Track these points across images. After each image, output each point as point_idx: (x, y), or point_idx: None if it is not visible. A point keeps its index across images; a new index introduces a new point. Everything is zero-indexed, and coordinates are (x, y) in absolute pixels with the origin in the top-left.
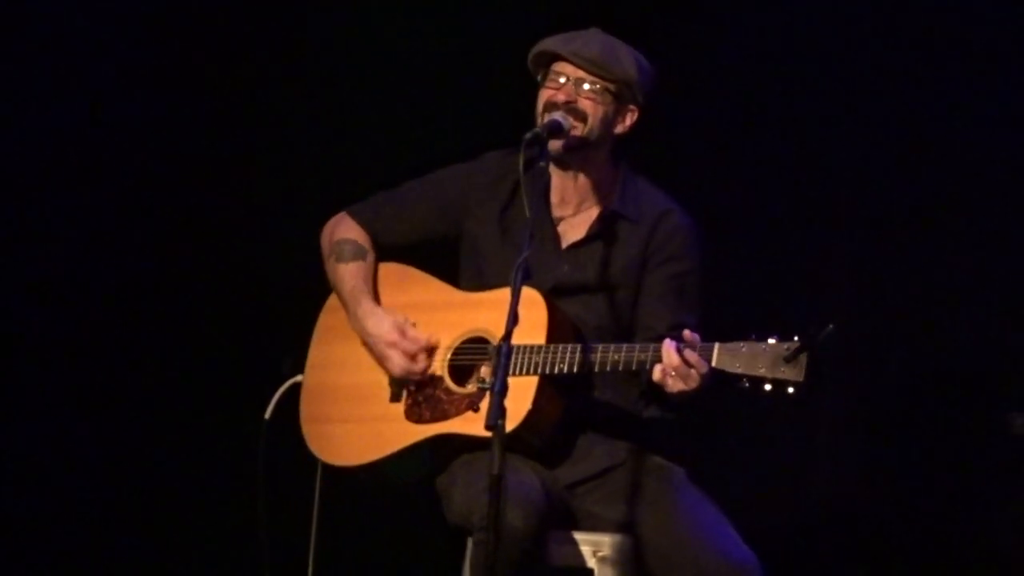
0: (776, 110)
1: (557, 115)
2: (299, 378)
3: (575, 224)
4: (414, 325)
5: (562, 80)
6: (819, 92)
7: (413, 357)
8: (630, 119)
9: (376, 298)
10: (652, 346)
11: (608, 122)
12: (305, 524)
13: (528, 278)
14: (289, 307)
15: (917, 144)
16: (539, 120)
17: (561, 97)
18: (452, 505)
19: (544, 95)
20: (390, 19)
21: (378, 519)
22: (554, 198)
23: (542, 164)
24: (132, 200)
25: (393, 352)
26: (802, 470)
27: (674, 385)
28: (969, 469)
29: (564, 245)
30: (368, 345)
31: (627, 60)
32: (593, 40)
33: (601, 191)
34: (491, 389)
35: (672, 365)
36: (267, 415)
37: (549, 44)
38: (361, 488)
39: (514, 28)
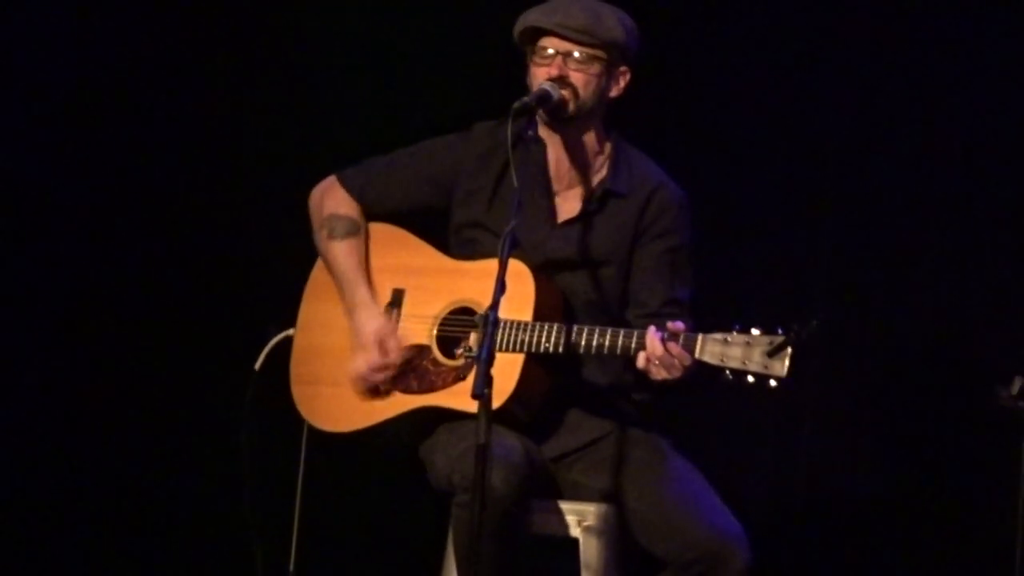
0: (766, 98)
1: (546, 85)
2: (290, 332)
3: (568, 198)
4: (399, 340)
5: (550, 52)
6: (809, 80)
7: (376, 369)
8: (623, 81)
9: (368, 262)
10: (637, 332)
11: (601, 89)
12: (291, 484)
13: (516, 247)
14: (277, 265)
15: (904, 131)
16: (544, 131)
17: (553, 72)
18: (435, 470)
19: (535, 72)
20: None
21: (364, 484)
22: (550, 172)
23: (530, 134)
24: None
25: (361, 356)
26: (788, 445)
27: (657, 373)
28: (956, 442)
29: (559, 220)
30: (355, 334)
31: (612, 22)
32: (575, 8)
33: (595, 165)
34: (477, 358)
35: (656, 355)
36: (257, 366)
37: (532, 19)
38: (347, 451)
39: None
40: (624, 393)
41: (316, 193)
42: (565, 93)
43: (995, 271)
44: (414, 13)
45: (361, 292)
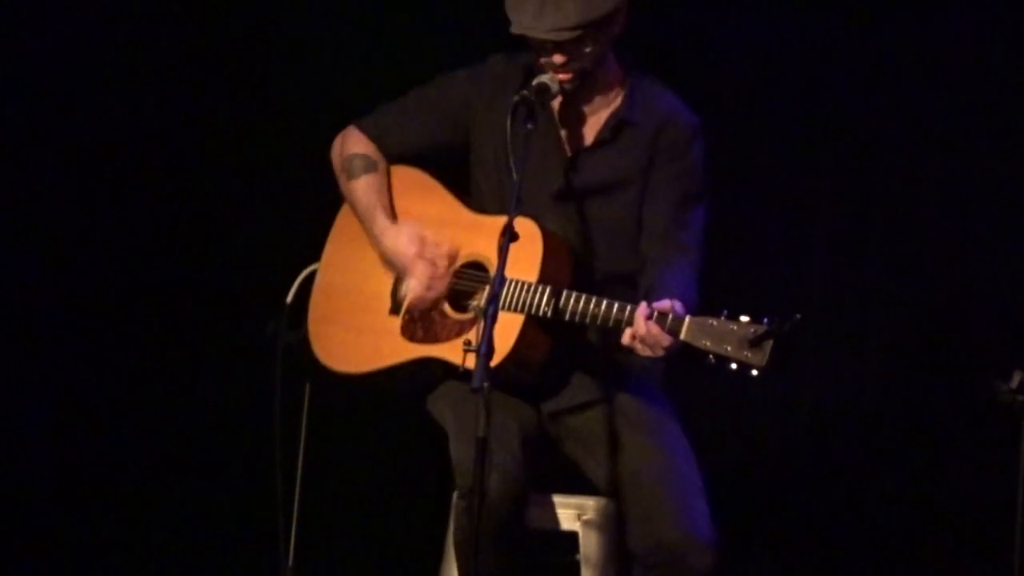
0: (764, 91)
1: (544, 78)
2: (316, 266)
3: (581, 129)
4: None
5: (549, 48)
6: (804, 75)
7: (433, 263)
8: (621, 19)
9: (391, 206)
10: (629, 307)
11: (604, 48)
12: (290, 475)
13: (515, 240)
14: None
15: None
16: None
17: (557, 61)
18: (450, 445)
19: (539, 58)
20: None
21: (363, 476)
22: (559, 103)
23: (529, 127)
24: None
25: (417, 263)
26: (784, 437)
27: (642, 351)
28: (955, 437)
29: (569, 151)
30: (388, 261)
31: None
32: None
33: (608, 96)
34: (477, 351)
35: (640, 334)
36: (288, 299)
37: (526, 25)
38: (347, 443)
39: None
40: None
41: (336, 142)
42: (571, 74)
43: (994, 265)
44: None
45: (380, 220)
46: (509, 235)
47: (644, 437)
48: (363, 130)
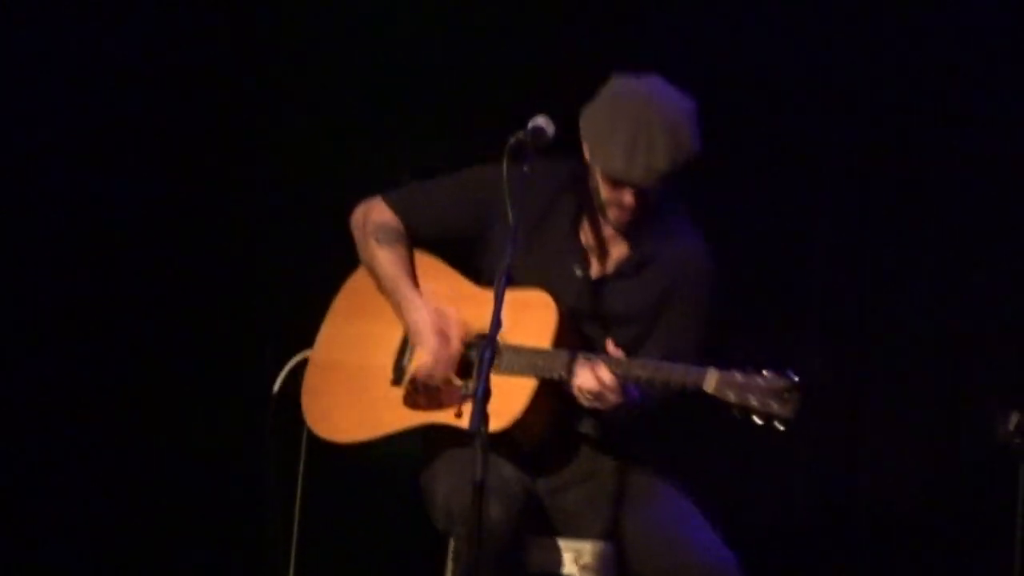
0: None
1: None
2: (307, 353)
3: (602, 255)
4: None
5: (629, 198)
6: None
7: (447, 338)
8: None
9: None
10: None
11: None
12: (290, 493)
13: (509, 283)
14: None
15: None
16: (590, 194)
17: (628, 203)
18: (435, 500)
19: (602, 186)
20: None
21: (364, 494)
22: (585, 224)
23: (525, 170)
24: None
25: (431, 336)
26: (785, 474)
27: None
28: (954, 477)
29: (592, 275)
30: (408, 330)
31: (688, 140)
32: (659, 142)
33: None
34: (473, 394)
35: (584, 386)
36: (275, 388)
37: (614, 170)
38: (347, 462)
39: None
40: (623, 426)
41: (359, 210)
42: (633, 216)
43: (993, 307)
44: (453, 37)
45: (406, 289)
46: (506, 278)
47: (650, 488)
48: (391, 205)
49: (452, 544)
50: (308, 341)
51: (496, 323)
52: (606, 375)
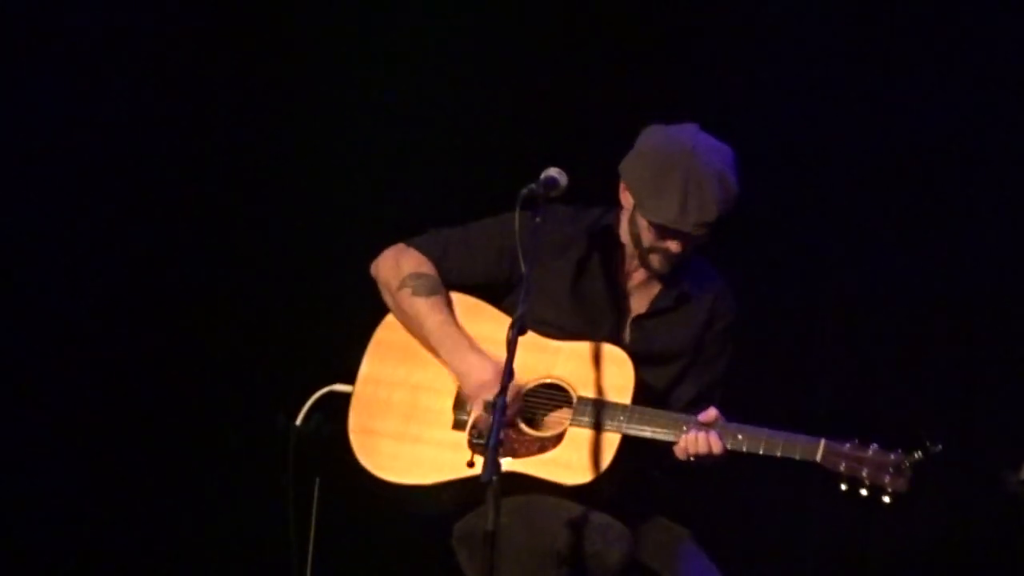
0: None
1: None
2: (336, 387)
3: (639, 294)
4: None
5: (675, 247)
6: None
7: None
8: None
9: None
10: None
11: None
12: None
13: (523, 332)
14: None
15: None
16: (628, 240)
17: (674, 249)
18: (512, 551)
19: (643, 236)
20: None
21: (377, 526)
22: (622, 269)
23: (538, 220)
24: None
25: (487, 394)
26: (797, 527)
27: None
28: (964, 527)
29: (633, 315)
30: (462, 384)
31: (734, 187)
32: (709, 193)
33: None
34: (486, 445)
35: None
36: (298, 422)
37: (666, 219)
38: (361, 507)
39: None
40: (649, 477)
41: (386, 257)
42: (675, 262)
43: (1002, 359)
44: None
45: (463, 340)
46: (518, 328)
47: (672, 544)
48: (422, 251)
49: None
50: (329, 375)
51: (508, 372)
52: (717, 446)
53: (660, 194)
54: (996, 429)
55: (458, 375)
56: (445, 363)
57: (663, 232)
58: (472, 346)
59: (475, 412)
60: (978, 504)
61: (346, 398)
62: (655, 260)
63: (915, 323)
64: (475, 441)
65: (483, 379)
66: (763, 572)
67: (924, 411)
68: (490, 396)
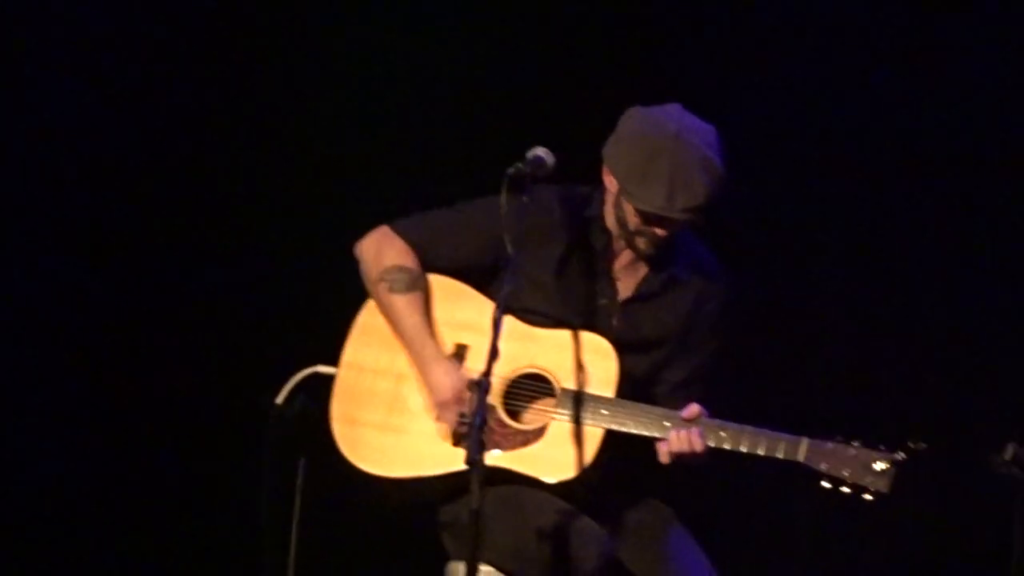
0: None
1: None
2: (319, 368)
3: (626, 278)
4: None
5: (661, 232)
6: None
7: (461, 418)
8: None
9: (430, 314)
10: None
11: None
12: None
13: (508, 312)
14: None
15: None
16: (613, 223)
17: (660, 234)
18: (493, 541)
19: (629, 219)
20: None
21: (360, 524)
22: (609, 251)
23: (525, 199)
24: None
25: (443, 412)
26: (785, 512)
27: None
28: (948, 509)
29: (620, 299)
30: (429, 391)
31: (720, 172)
32: (696, 178)
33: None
34: (471, 424)
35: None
36: (279, 400)
37: (655, 206)
38: (345, 489)
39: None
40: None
41: (370, 243)
42: (662, 246)
43: (986, 339)
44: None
45: (430, 348)
46: (503, 308)
47: (658, 522)
48: (404, 237)
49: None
50: (312, 356)
51: (493, 352)
52: (699, 444)
53: (646, 181)
54: (980, 410)
55: (423, 380)
56: (416, 366)
57: (649, 218)
58: (438, 356)
59: (450, 415)
60: (964, 486)
61: (329, 379)
62: (642, 243)
63: (895, 307)
64: (462, 421)
65: (443, 398)
66: (748, 551)
67: (908, 393)
68: (450, 413)
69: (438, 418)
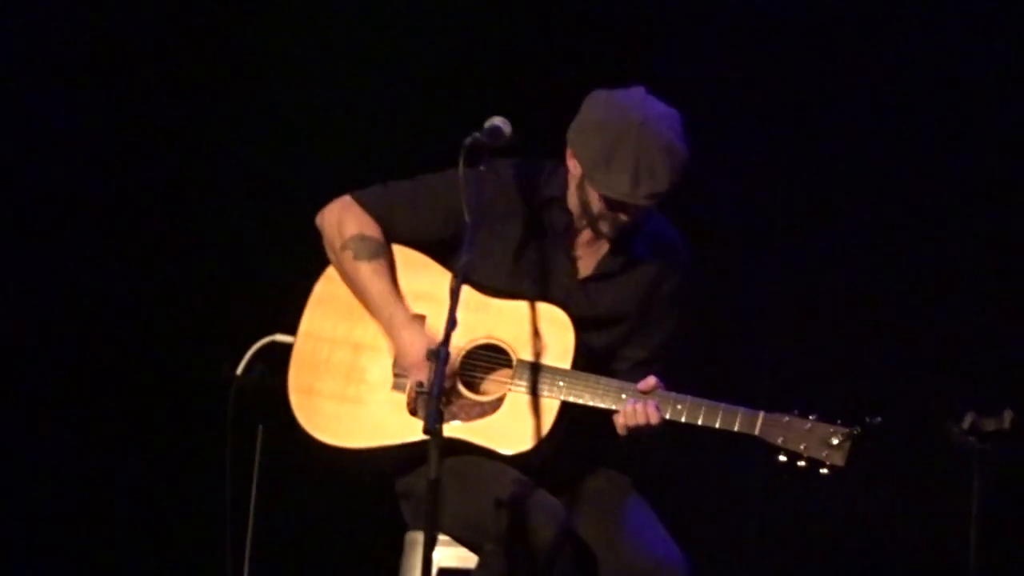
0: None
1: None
2: (277, 337)
3: (586, 256)
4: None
5: (624, 217)
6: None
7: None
8: None
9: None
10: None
11: None
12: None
13: (467, 282)
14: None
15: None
16: (576, 204)
17: (623, 219)
18: (450, 512)
19: (600, 210)
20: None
21: (318, 494)
22: (571, 228)
23: (482, 169)
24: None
25: (416, 374)
26: (741, 483)
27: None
28: (908, 478)
29: (579, 276)
30: (398, 352)
31: (684, 157)
32: (659, 164)
33: None
34: (428, 393)
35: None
36: (239, 370)
37: (618, 193)
38: (302, 463)
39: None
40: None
41: (331, 212)
42: (624, 230)
43: (945, 311)
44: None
45: (400, 313)
46: (461, 278)
47: (613, 490)
48: (366, 208)
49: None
50: (271, 324)
51: (451, 321)
52: (655, 417)
53: (610, 167)
54: (938, 380)
55: (394, 349)
56: (385, 332)
57: (613, 204)
58: (408, 320)
59: (410, 384)
60: (922, 456)
61: (287, 348)
62: (604, 226)
63: (854, 280)
64: (419, 391)
65: (414, 360)
66: (705, 519)
67: (866, 365)
68: (421, 375)
69: (407, 385)
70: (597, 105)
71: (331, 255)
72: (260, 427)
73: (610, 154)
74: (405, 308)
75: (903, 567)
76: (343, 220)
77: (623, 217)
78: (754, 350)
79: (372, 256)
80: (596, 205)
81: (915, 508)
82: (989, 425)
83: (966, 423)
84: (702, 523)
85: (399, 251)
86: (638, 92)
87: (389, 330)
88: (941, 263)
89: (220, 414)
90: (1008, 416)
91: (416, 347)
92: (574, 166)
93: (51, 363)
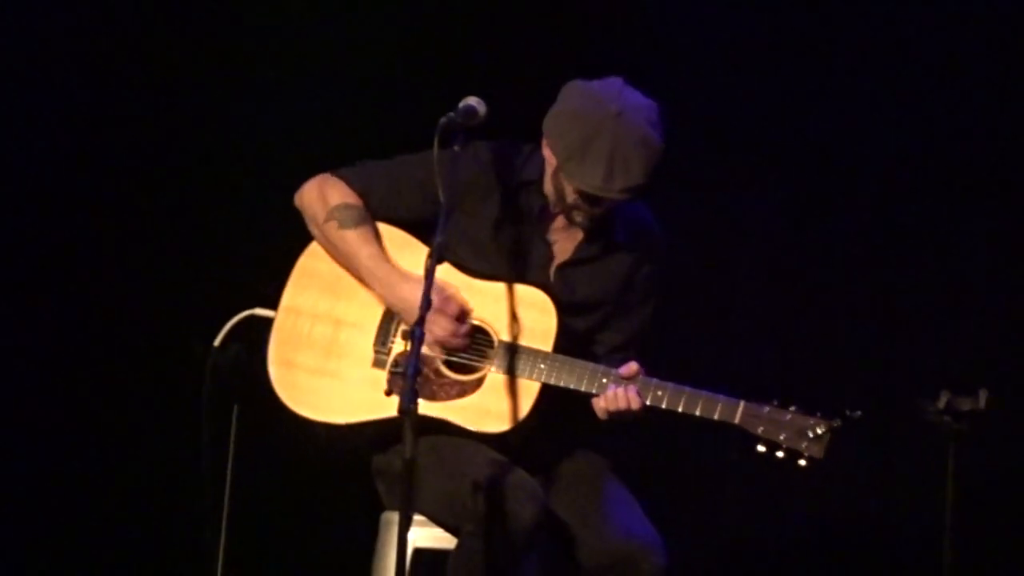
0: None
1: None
2: (256, 311)
3: (562, 240)
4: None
5: (598, 208)
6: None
7: (457, 318)
8: None
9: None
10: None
11: None
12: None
13: (440, 262)
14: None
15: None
16: (551, 191)
17: (597, 212)
18: (427, 492)
19: (574, 200)
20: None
21: (293, 485)
22: (548, 213)
23: (456, 149)
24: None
25: (437, 317)
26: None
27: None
28: (883, 457)
29: (556, 262)
30: (396, 307)
31: (659, 151)
32: (634, 157)
33: None
34: (404, 373)
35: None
36: (216, 343)
37: (593, 187)
38: (278, 454)
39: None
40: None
41: (311, 188)
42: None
43: (920, 289)
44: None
45: (395, 272)
46: (436, 257)
47: (591, 472)
48: (348, 183)
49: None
50: (249, 299)
51: (426, 302)
52: (636, 403)
53: (584, 160)
54: (914, 359)
55: (397, 310)
56: (380, 297)
57: (587, 196)
58: (405, 277)
59: (434, 335)
60: (898, 436)
61: (266, 322)
62: (578, 216)
63: (829, 262)
64: (394, 371)
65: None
66: (683, 502)
67: (842, 347)
68: (436, 328)
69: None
70: (573, 96)
71: (314, 230)
72: (235, 406)
73: (585, 147)
74: (399, 267)
75: (878, 546)
76: (325, 192)
77: (596, 209)
78: (734, 336)
79: (357, 223)
80: (570, 196)
81: (890, 488)
82: (964, 405)
83: (941, 403)
84: (679, 505)
85: (381, 228)
86: (616, 83)
87: (387, 292)
88: (915, 243)
89: (197, 388)
90: (983, 396)
91: (417, 295)
92: (549, 156)
93: (26, 337)
